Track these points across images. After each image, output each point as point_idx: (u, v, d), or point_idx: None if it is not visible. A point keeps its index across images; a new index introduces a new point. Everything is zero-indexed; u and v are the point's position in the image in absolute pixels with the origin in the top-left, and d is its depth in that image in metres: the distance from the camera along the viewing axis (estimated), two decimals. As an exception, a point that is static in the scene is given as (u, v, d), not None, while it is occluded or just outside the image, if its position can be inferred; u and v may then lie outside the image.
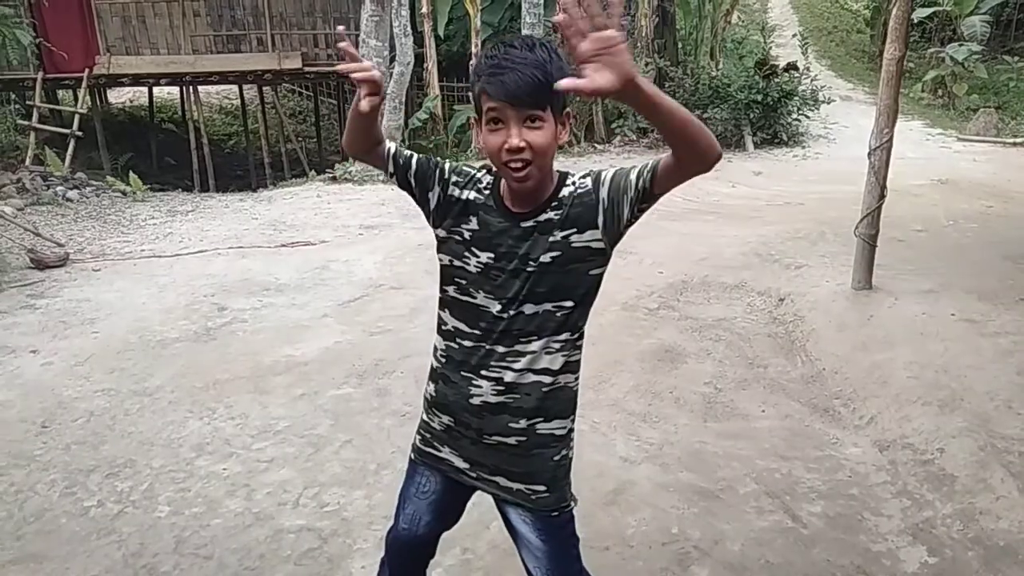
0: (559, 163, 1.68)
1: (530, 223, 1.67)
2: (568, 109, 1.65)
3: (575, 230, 1.65)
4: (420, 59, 14.26)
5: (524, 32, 7.07)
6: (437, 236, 1.79)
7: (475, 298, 1.74)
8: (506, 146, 1.56)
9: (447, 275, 1.79)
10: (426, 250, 6.94)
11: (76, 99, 13.24)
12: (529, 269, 1.68)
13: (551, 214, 1.66)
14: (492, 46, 1.62)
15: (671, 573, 2.71)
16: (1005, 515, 2.94)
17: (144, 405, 4.04)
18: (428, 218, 1.79)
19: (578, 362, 1.79)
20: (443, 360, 1.83)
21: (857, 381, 4.17)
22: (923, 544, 2.87)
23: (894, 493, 3.21)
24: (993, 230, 7.06)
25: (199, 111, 14.69)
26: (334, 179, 11.05)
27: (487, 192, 1.73)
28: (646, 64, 14.36)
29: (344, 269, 6.46)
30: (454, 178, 1.75)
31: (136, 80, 14.39)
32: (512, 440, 1.77)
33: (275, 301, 5.67)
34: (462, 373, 1.79)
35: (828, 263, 5.95)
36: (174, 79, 14.34)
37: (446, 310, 1.82)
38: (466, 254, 1.73)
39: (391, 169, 1.79)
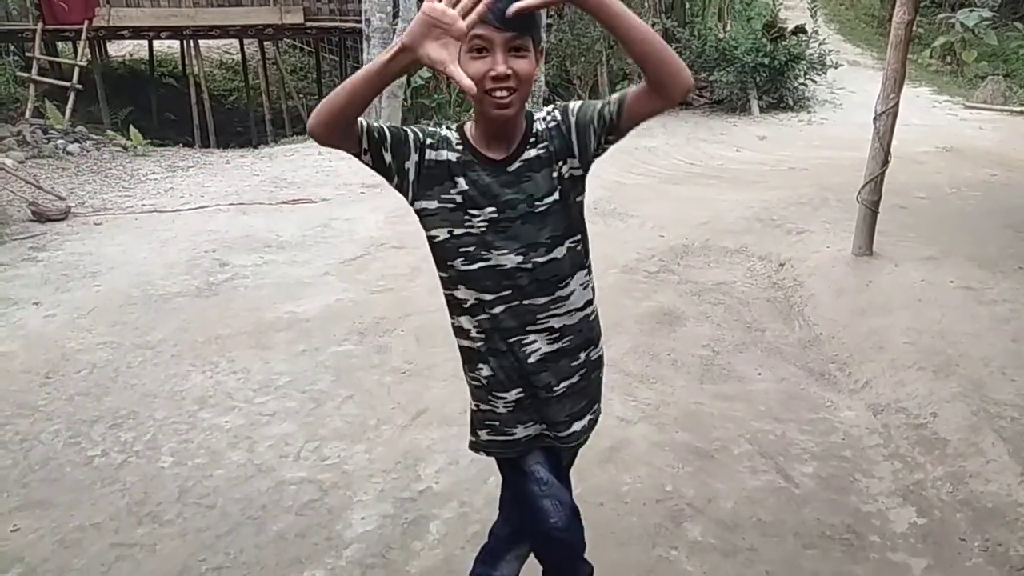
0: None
1: (516, 164, 1.64)
2: (543, 45, 1.64)
3: (563, 162, 1.66)
4: (424, 16, 14.05)
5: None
6: (425, 211, 1.67)
7: (488, 260, 1.67)
8: (492, 73, 1.51)
9: (449, 249, 1.68)
10: (428, 209, 6.93)
11: (76, 51, 13.10)
12: (539, 210, 1.65)
13: (536, 151, 1.65)
14: None
15: (664, 529, 2.77)
16: (994, 478, 2.99)
17: (146, 358, 4.08)
18: (408, 191, 1.66)
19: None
20: (481, 337, 1.75)
21: (854, 346, 4.20)
22: (913, 505, 2.92)
23: (886, 456, 3.25)
24: (996, 199, 7.04)
25: (199, 66, 14.56)
26: (336, 137, 10.97)
27: (461, 147, 1.66)
28: (652, 24, 14.17)
29: (346, 227, 6.46)
30: (429, 140, 1.65)
31: (136, 33, 14.23)
32: (576, 378, 1.82)
33: (276, 258, 5.69)
34: (509, 340, 1.74)
35: (830, 229, 5.95)
36: (174, 32, 14.19)
37: (459, 287, 1.72)
38: (466, 217, 1.65)
39: (365, 144, 1.59)
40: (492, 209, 1.65)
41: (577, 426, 1.86)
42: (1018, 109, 13.13)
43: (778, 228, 6.20)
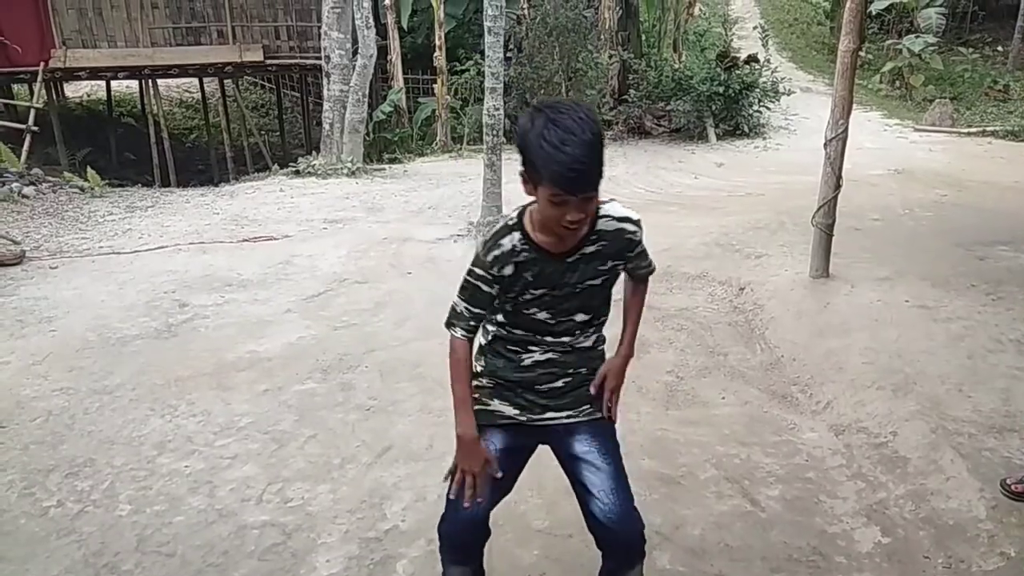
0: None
1: (573, 258, 1.97)
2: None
3: (616, 260, 2.04)
4: (384, 51, 14.16)
5: (487, 24, 7.05)
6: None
7: (533, 313, 2.04)
8: (568, 219, 1.82)
9: (496, 307, 2.08)
10: (390, 244, 6.93)
11: (32, 93, 12.95)
12: (578, 290, 2.01)
13: (594, 247, 1.98)
14: (543, 121, 1.76)
15: (633, 559, 2.75)
16: (955, 495, 3.03)
17: (104, 404, 3.99)
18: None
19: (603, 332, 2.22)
20: (490, 339, 2.15)
21: (814, 367, 4.26)
22: (877, 525, 2.95)
23: (849, 476, 3.29)
24: (947, 218, 7.22)
25: (159, 105, 14.46)
26: (297, 173, 10.95)
27: (526, 249, 1.95)
28: (610, 56, 14.42)
29: (308, 264, 6.42)
30: (495, 268, 1.95)
31: (93, 73, 14.11)
32: (559, 383, 2.13)
33: (237, 297, 5.62)
34: (512, 347, 2.11)
35: (787, 252, 6.04)
36: (132, 72, 14.09)
37: (505, 324, 2.10)
38: (525, 294, 2.00)
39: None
40: (544, 290, 2.00)
41: (551, 415, 2.14)
42: (965, 131, 13.53)
43: (737, 253, 6.29)
